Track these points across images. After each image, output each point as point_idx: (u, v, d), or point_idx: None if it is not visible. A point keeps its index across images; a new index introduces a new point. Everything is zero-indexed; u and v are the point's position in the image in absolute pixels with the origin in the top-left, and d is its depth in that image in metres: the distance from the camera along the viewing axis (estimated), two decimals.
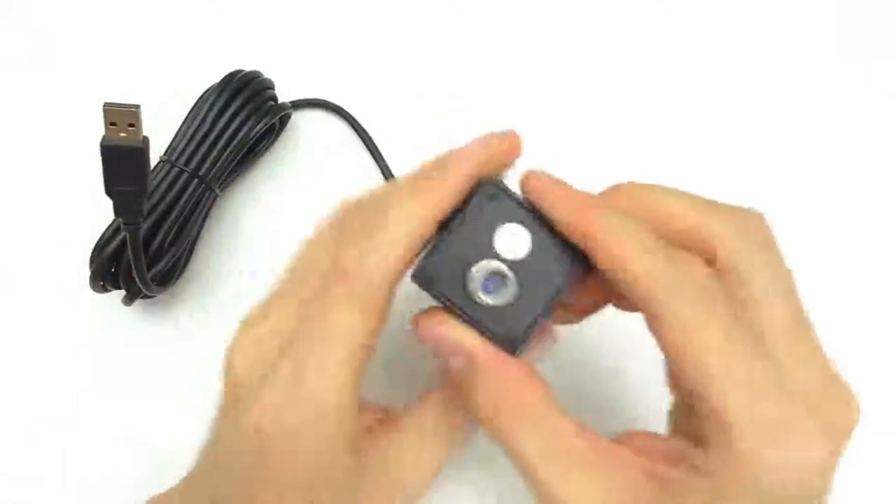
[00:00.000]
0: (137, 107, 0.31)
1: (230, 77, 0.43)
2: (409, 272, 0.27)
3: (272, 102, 0.44)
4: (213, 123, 0.42)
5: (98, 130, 0.31)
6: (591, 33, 0.49)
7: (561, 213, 0.26)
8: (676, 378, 0.25)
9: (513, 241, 0.27)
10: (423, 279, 0.27)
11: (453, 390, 0.29)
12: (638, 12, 0.50)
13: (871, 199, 0.46)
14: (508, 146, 0.28)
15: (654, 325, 0.24)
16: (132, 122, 0.31)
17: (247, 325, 0.27)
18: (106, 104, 0.31)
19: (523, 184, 0.27)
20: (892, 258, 0.45)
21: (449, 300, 0.27)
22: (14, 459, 0.39)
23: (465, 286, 0.27)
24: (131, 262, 0.37)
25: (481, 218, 0.27)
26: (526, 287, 0.27)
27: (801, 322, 0.25)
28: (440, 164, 0.27)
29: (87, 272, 0.39)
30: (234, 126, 0.42)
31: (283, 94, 0.45)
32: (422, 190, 0.26)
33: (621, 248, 0.25)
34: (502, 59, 0.48)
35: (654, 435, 0.27)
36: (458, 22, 0.50)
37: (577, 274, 0.27)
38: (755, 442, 0.22)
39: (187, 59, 0.48)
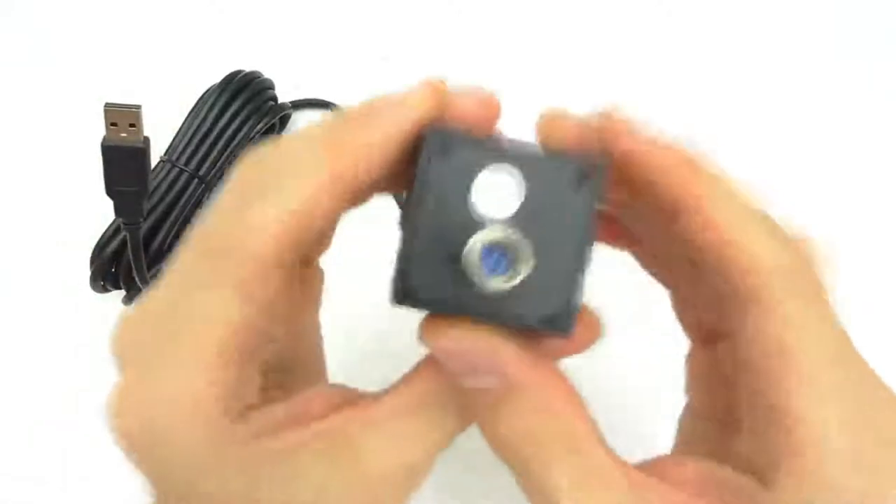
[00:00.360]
0: (138, 107, 0.31)
1: (230, 77, 0.43)
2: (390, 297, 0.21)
3: (272, 102, 0.44)
4: (214, 123, 0.42)
5: (99, 130, 0.31)
6: (590, 33, 0.49)
7: (655, 169, 0.21)
8: (739, 381, 0.22)
9: (497, 193, 0.20)
10: (404, 295, 0.20)
11: (444, 376, 0.22)
12: (638, 12, 0.50)
13: (871, 198, 0.46)
14: (473, 104, 0.21)
15: (741, 313, 0.21)
16: (133, 122, 0.31)
17: (129, 311, 0.22)
18: (107, 104, 0.31)
19: (605, 128, 0.21)
20: (892, 258, 0.45)
21: (451, 306, 0.20)
22: (14, 459, 0.39)
23: (463, 278, 0.20)
24: (131, 262, 0.37)
25: (442, 182, 0.20)
26: (543, 244, 0.20)
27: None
28: (364, 112, 0.21)
29: (87, 272, 0.39)
30: (234, 126, 0.42)
31: (283, 94, 0.45)
32: (331, 145, 0.20)
33: (740, 231, 0.20)
34: (502, 59, 0.48)
35: (683, 460, 0.23)
36: (458, 22, 0.50)
37: (599, 195, 0.20)
38: (841, 469, 0.19)
39: (188, 60, 0.48)
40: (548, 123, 0.22)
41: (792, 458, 0.19)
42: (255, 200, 0.20)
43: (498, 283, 0.19)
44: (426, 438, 0.22)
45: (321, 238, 0.23)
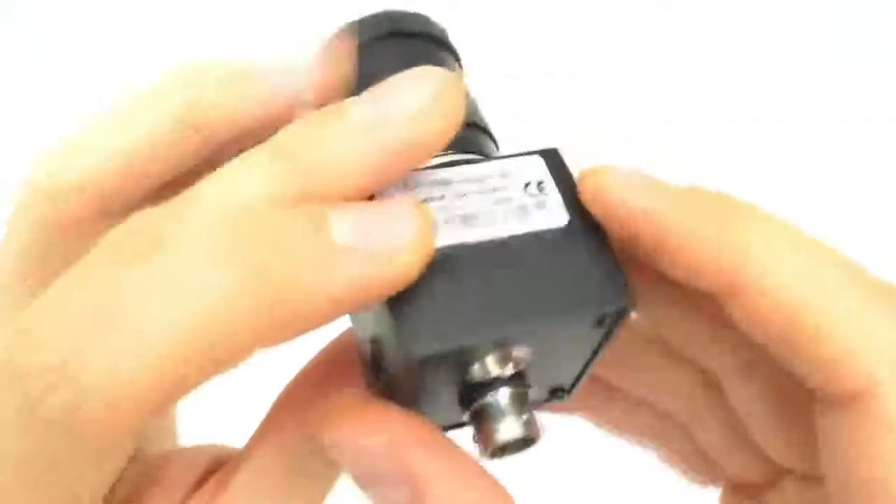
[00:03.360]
0: None
1: None
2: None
3: None
4: None
5: None
6: (590, 32, 0.50)
7: (672, 242, 0.16)
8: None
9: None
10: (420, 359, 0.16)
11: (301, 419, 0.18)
12: (638, 12, 0.50)
13: (871, 197, 0.46)
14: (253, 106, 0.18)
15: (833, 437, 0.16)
16: None
17: None
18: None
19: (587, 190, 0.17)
20: (892, 257, 0.45)
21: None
22: None
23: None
24: None
25: (433, 389, 0.17)
26: (546, 356, 0.17)
27: None
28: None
29: None
30: None
31: None
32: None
33: (832, 310, 0.15)
34: (501, 56, 0.48)
35: None
36: (458, 23, 0.50)
37: (614, 334, 0.17)
38: None
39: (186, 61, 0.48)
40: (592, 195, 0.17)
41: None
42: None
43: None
44: None
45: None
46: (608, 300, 0.16)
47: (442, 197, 0.17)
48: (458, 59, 0.23)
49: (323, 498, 0.19)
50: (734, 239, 0.16)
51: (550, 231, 0.17)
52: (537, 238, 0.17)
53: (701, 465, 0.21)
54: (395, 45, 0.21)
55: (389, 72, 0.16)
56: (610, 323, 0.17)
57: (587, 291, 0.16)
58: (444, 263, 0.16)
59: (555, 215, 0.17)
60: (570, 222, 0.17)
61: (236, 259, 0.13)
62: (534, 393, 0.18)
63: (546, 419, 0.18)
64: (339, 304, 0.14)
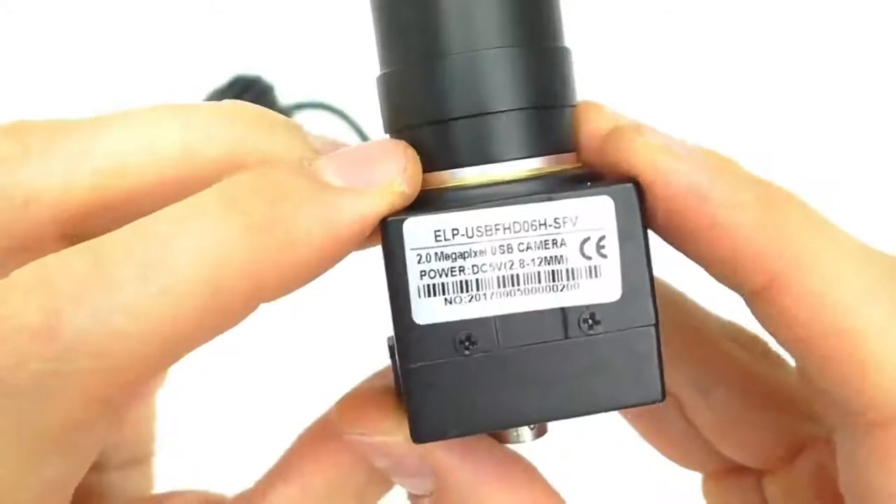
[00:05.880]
0: None
1: (231, 83, 0.43)
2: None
3: (273, 106, 0.44)
4: None
5: None
6: (589, 32, 0.49)
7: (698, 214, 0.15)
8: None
9: None
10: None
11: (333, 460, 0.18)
12: (638, 11, 0.50)
13: (871, 196, 0.46)
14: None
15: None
16: None
17: None
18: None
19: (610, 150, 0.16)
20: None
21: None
22: None
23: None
24: None
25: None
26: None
27: None
28: None
29: None
30: None
31: (284, 98, 0.45)
32: None
33: (860, 323, 0.14)
34: None
35: None
36: None
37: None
38: None
39: (188, 66, 0.48)
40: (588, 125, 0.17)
41: None
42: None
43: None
44: None
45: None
46: (637, 396, 0.15)
47: (481, 252, 0.15)
48: None
49: None
50: (787, 233, 0.15)
51: (597, 307, 0.15)
52: (579, 316, 0.15)
53: (690, 447, 0.21)
54: None
55: None
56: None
57: (618, 389, 0.15)
58: (469, 341, 0.15)
59: (606, 288, 0.15)
60: (620, 298, 0.15)
61: (237, 206, 0.14)
62: None
63: None
64: (339, 241, 0.14)
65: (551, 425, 0.17)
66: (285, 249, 0.14)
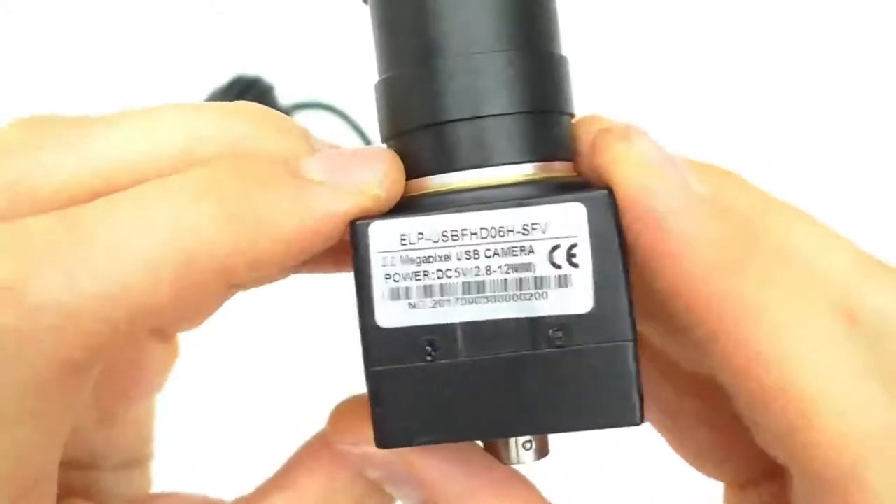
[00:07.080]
0: None
1: (231, 83, 0.43)
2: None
3: (273, 106, 0.44)
4: None
5: None
6: (590, 31, 0.49)
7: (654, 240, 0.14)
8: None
9: None
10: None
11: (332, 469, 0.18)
12: (637, 10, 0.50)
13: (870, 195, 0.46)
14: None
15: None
16: None
17: None
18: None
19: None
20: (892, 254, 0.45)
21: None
22: None
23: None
24: None
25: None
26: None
27: None
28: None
29: None
30: None
31: (284, 98, 0.45)
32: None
33: (812, 372, 0.14)
34: None
35: None
36: None
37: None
38: None
39: (188, 66, 0.48)
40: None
41: None
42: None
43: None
44: None
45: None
46: (612, 419, 0.15)
47: (446, 257, 0.15)
48: None
49: None
50: (741, 279, 0.14)
51: (567, 318, 0.14)
52: (549, 328, 0.14)
53: (712, 455, 0.20)
54: None
55: None
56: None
57: (592, 408, 0.14)
58: (431, 347, 0.15)
59: (577, 299, 0.14)
60: (592, 310, 0.14)
61: (213, 188, 0.14)
62: None
63: None
64: (308, 234, 0.15)
65: (554, 444, 0.17)
66: (255, 234, 0.14)
